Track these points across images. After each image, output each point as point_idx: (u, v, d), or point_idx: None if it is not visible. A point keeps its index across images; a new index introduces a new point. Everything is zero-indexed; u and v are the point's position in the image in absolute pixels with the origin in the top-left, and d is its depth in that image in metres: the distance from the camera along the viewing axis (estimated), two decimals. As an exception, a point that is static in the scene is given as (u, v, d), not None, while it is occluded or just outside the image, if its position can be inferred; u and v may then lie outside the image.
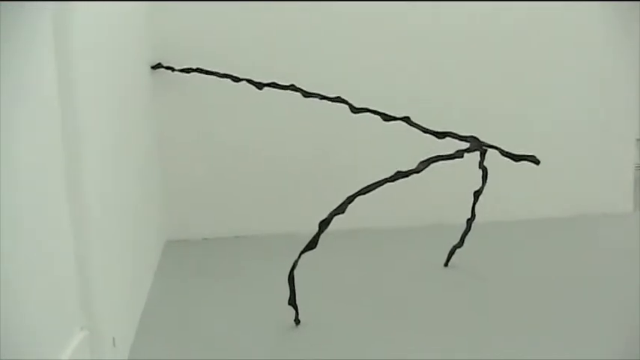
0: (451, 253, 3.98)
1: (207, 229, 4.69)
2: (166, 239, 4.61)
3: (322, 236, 4.32)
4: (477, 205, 3.88)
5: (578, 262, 3.99)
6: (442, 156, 3.15)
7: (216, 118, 4.61)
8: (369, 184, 3.06)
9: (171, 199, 4.62)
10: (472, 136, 3.34)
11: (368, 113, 3.77)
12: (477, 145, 3.29)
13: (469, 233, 3.94)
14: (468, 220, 3.90)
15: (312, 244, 3.08)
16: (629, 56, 4.86)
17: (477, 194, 3.78)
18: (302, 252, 3.11)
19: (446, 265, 3.99)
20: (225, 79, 4.25)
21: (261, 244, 4.49)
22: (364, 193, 3.03)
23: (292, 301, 3.24)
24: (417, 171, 3.08)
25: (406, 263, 4.10)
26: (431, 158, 3.14)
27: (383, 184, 3.03)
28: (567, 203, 4.95)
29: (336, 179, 4.38)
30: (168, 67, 4.41)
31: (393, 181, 3.04)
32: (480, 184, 3.74)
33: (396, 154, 3.93)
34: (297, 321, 3.26)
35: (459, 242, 3.97)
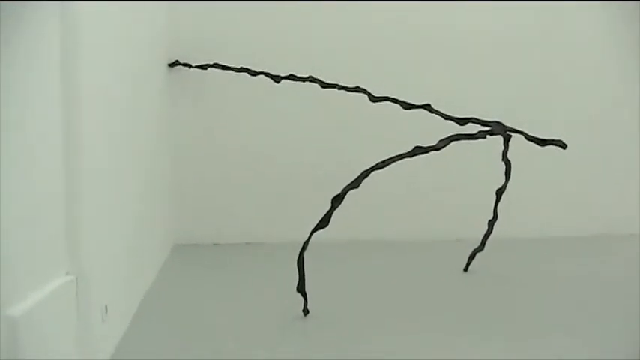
0: (471, 257, 3.78)
1: (217, 234, 4.53)
2: (176, 242, 4.46)
3: (341, 245, 4.25)
4: (499, 221, 3.71)
5: (600, 275, 3.75)
6: (462, 135, 2.99)
7: (230, 122, 4.51)
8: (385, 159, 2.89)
9: (182, 203, 4.48)
10: (496, 121, 3.18)
11: (388, 102, 3.61)
12: (501, 130, 3.13)
13: (491, 243, 3.76)
14: (490, 221, 3.71)
15: (324, 222, 2.91)
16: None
17: (499, 192, 3.59)
18: (313, 230, 2.94)
19: (465, 269, 3.79)
20: (242, 74, 4.15)
21: (273, 250, 4.31)
22: (380, 168, 2.88)
23: (301, 288, 3.05)
24: (436, 148, 2.92)
25: (424, 268, 3.92)
26: (451, 136, 2.99)
27: (400, 158, 2.87)
28: (591, 222, 4.72)
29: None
30: (185, 64, 4.32)
31: (411, 156, 2.88)
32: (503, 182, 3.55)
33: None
34: (305, 310, 3.06)
35: (479, 246, 3.78)
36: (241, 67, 4.13)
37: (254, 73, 4.10)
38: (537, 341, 2.73)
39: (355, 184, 2.86)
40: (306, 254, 3.03)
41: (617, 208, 4.73)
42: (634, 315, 3.03)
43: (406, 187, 4.49)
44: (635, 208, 4.71)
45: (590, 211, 4.73)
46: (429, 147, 2.90)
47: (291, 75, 3.98)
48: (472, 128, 3.24)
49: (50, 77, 2.05)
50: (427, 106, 3.43)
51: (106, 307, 2.48)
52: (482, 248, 3.76)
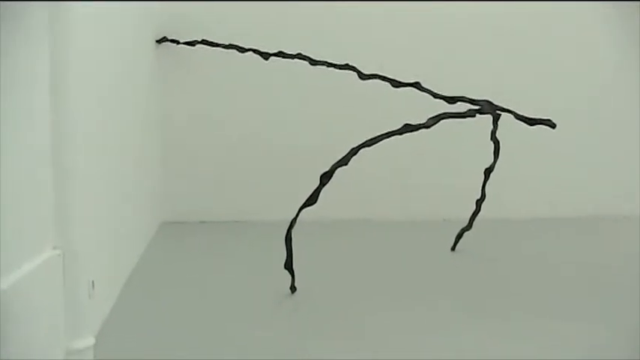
0: (459, 236, 3.78)
1: (205, 211, 4.51)
2: (163, 220, 4.43)
3: (329, 223, 4.24)
4: (487, 201, 3.70)
5: (586, 256, 3.77)
6: (452, 113, 2.99)
7: (218, 100, 4.49)
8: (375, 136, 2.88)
9: (170, 181, 4.46)
10: (485, 100, 3.17)
11: (377, 80, 3.59)
12: (490, 109, 3.12)
13: (478, 223, 3.76)
14: (478, 200, 3.71)
15: (312, 199, 2.91)
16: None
17: (487, 172, 3.59)
18: (302, 207, 2.94)
19: (453, 249, 3.79)
20: (230, 51, 4.11)
21: (260, 228, 4.29)
22: (369, 145, 2.87)
23: (289, 265, 3.05)
24: (426, 126, 2.92)
25: (412, 247, 3.93)
26: (440, 114, 2.98)
27: (389, 136, 2.87)
28: (580, 203, 4.72)
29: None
30: (173, 41, 4.29)
31: (400, 133, 2.87)
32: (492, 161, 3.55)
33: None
34: (293, 288, 3.06)
35: (467, 225, 3.78)
36: (230, 44, 4.10)
37: (242, 50, 4.07)
38: (524, 321, 2.74)
39: (344, 161, 2.86)
40: (294, 232, 3.03)
41: (608, 189, 4.73)
42: (622, 295, 3.05)
43: (395, 165, 4.48)
44: (625, 189, 4.72)
45: (579, 192, 4.72)
46: (418, 125, 2.89)
47: (280, 52, 3.95)
48: (461, 107, 3.24)
49: (39, 55, 2.04)
50: (416, 84, 3.42)
51: (92, 282, 2.45)
52: (470, 228, 3.77)
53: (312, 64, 3.87)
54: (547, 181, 4.71)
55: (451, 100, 3.28)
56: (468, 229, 3.77)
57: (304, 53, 3.96)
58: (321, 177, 2.87)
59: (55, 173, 2.13)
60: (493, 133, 3.40)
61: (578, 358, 2.40)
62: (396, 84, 3.50)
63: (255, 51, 4.03)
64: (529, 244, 4.03)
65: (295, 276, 3.05)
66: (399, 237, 4.17)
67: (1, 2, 1.74)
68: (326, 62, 3.82)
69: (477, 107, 3.09)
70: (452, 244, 3.80)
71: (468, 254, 3.73)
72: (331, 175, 2.86)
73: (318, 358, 2.40)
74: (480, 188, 3.68)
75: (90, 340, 2.20)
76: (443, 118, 2.97)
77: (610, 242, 4.15)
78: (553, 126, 3.07)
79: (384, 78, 3.56)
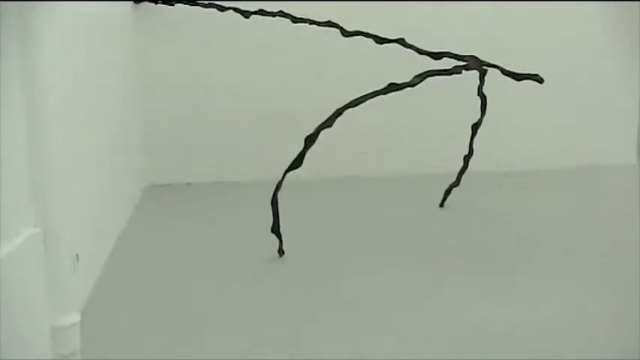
0: (447, 192, 3.76)
1: (189, 173, 4.47)
2: (148, 183, 4.38)
3: (315, 184, 4.21)
4: (479, 155, 3.68)
5: (577, 209, 3.76)
6: (437, 70, 2.93)
7: (201, 60, 4.41)
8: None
9: (153, 143, 4.40)
10: (471, 56, 3.11)
11: (360, 37, 3.50)
12: (476, 64, 3.06)
13: (466, 179, 3.74)
14: (465, 156, 3.68)
15: (297, 162, 2.86)
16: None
17: (475, 127, 3.55)
18: (287, 170, 2.90)
19: (441, 205, 3.77)
20: (211, 11, 4.00)
21: (246, 189, 4.25)
22: (354, 106, 2.81)
23: (276, 229, 3.02)
24: (411, 84, 2.86)
25: (400, 204, 3.91)
26: (426, 72, 2.92)
27: (374, 96, 2.81)
28: (570, 155, 4.70)
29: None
30: (151, 0, 4.17)
31: (385, 93, 2.82)
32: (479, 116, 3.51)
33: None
34: (280, 252, 3.04)
35: (455, 181, 3.76)
36: (209, 3, 3.99)
37: (222, 9, 3.96)
38: (513, 277, 2.74)
39: (328, 122, 2.81)
40: (280, 194, 2.99)
41: (598, 140, 4.71)
42: (610, 248, 3.05)
43: (381, 123, 4.43)
44: (616, 140, 4.69)
45: (567, 144, 4.70)
46: (403, 83, 2.84)
47: (261, 10, 3.84)
48: (447, 63, 3.17)
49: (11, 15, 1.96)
50: (401, 41, 3.34)
51: (77, 255, 2.41)
52: (458, 184, 3.75)
53: (294, 22, 3.77)
54: (535, 135, 4.68)
55: (436, 55, 3.21)
56: (456, 185, 3.75)
57: (286, 11, 3.85)
58: (306, 139, 2.82)
59: (30, 142, 2.06)
60: (480, 88, 3.34)
61: (570, 311, 2.41)
62: (380, 40, 3.42)
63: (235, 9, 3.93)
64: (518, 199, 4.02)
65: (283, 239, 3.03)
66: (387, 194, 4.15)
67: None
68: (308, 20, 3.72)
69: (463, 63, 3.03)
70: (440, 200, 3.77)
71: (457, 210, 3.71)
72: (316, 137, 2.81)
73: (309, 319, 2.39)
74: (468, 144, 3.64)
75: (75, 317, 2.16)
76: (429, 76, 2.91)
77: (601, 193, 4.13)
78: (541, 81, 3.03)
79: (367, 35, 3.47)
